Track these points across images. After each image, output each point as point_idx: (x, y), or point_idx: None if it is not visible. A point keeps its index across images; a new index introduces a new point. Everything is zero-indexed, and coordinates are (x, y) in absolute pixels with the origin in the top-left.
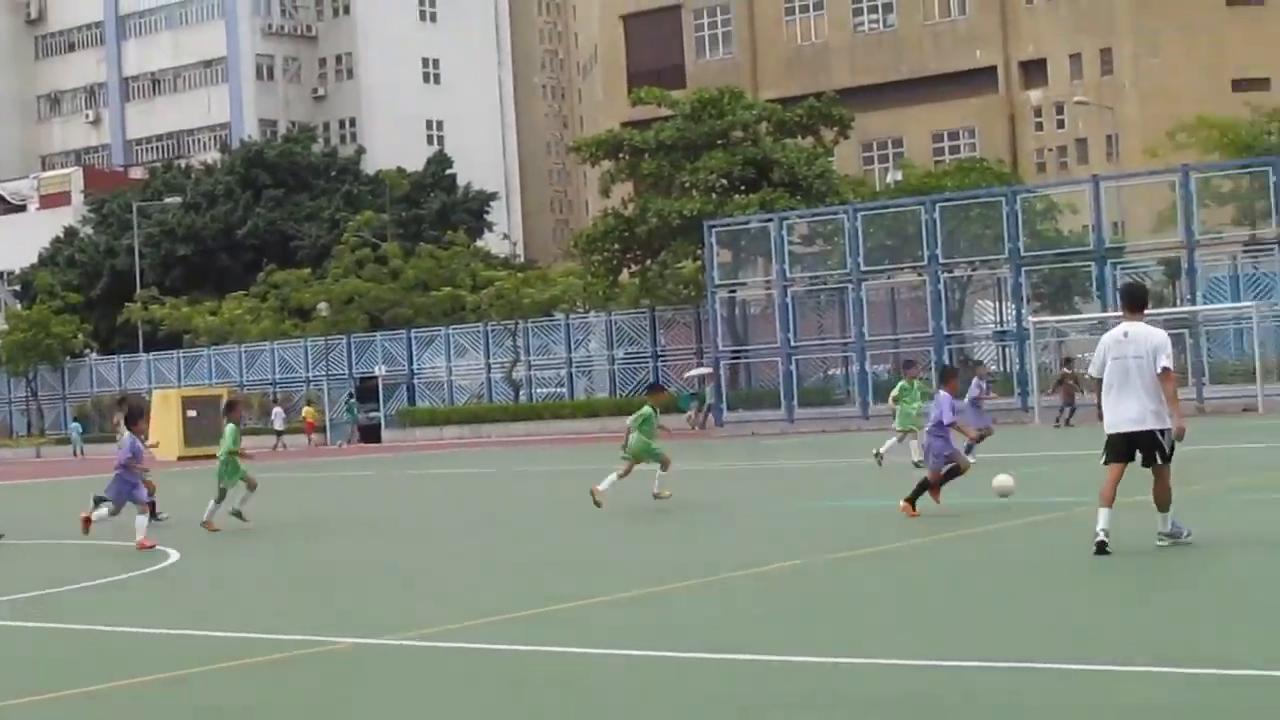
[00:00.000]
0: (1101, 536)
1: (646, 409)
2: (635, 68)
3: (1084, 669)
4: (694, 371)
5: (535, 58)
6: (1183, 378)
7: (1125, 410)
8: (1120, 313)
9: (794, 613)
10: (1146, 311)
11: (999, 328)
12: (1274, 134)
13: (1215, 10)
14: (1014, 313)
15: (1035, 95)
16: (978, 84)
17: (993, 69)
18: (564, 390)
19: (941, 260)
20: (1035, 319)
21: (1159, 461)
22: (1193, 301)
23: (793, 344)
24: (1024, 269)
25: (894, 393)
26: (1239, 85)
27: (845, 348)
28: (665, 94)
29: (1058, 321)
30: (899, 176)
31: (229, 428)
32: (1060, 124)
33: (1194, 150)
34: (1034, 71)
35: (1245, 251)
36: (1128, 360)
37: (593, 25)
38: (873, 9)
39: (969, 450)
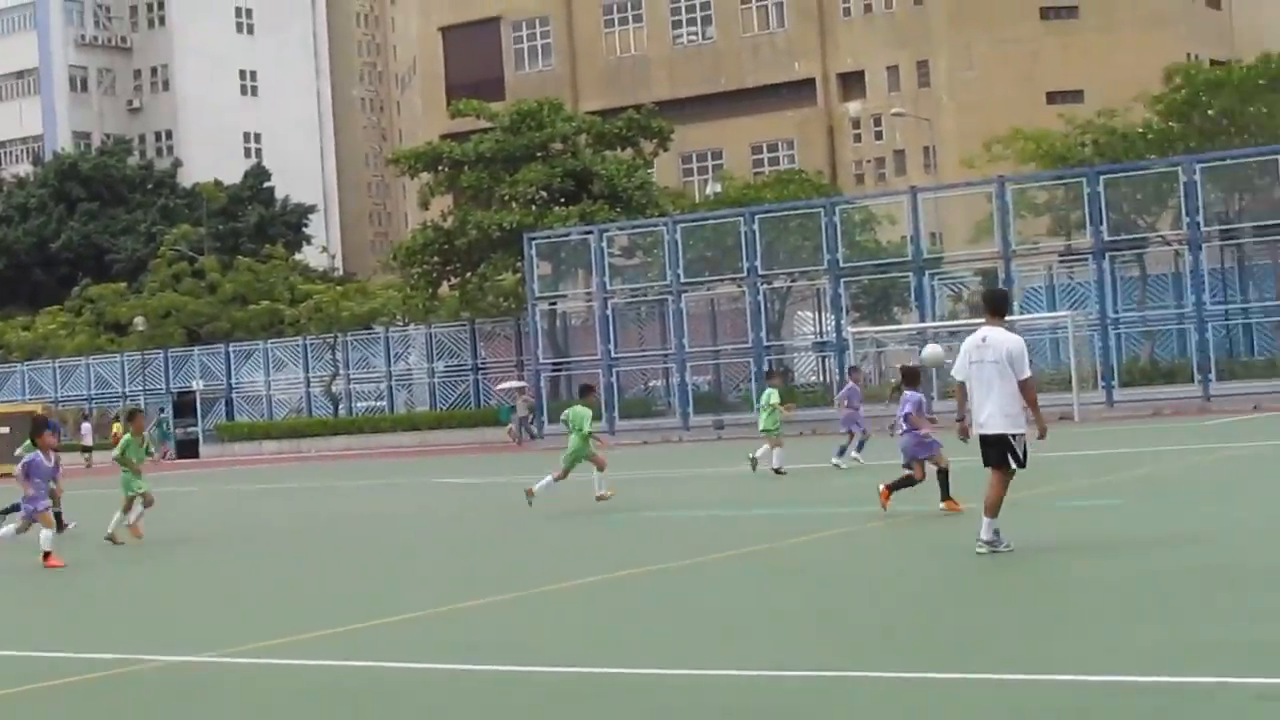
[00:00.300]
0: (990, 536)
1: (581, 408)
2: (454, 80)
3: (896, 676)
4: (505, 385)
5: (354, 70)
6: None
7: (980, 413)
8: (982, 318)
9: (612, 625)
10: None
11: (818, 338)
12: (1088, 146)
13: (1029, 24)
14: (833, 323)
15: (853, 107)
16: (796, 96)
17: (811, 81)
18: (384, 404)
19: (761, 272)
20: (854, 329)
21: (1006, 465)
22: (1009, 312)
23: (613, 356)
24: (843, 280)
25: (764, 399)
26: (1053, 98)
27: (665, 359)
28: (484, 106)
29: (877, 332)
30: (718, 188)
31: (125, 438)
32: (878, 135)
33: (1010, 162)
34: (852, 84)
35: (1061, 262)
36: (985, 365)
37: (411, 38)
38: (691, 22)
39: (861, 448)
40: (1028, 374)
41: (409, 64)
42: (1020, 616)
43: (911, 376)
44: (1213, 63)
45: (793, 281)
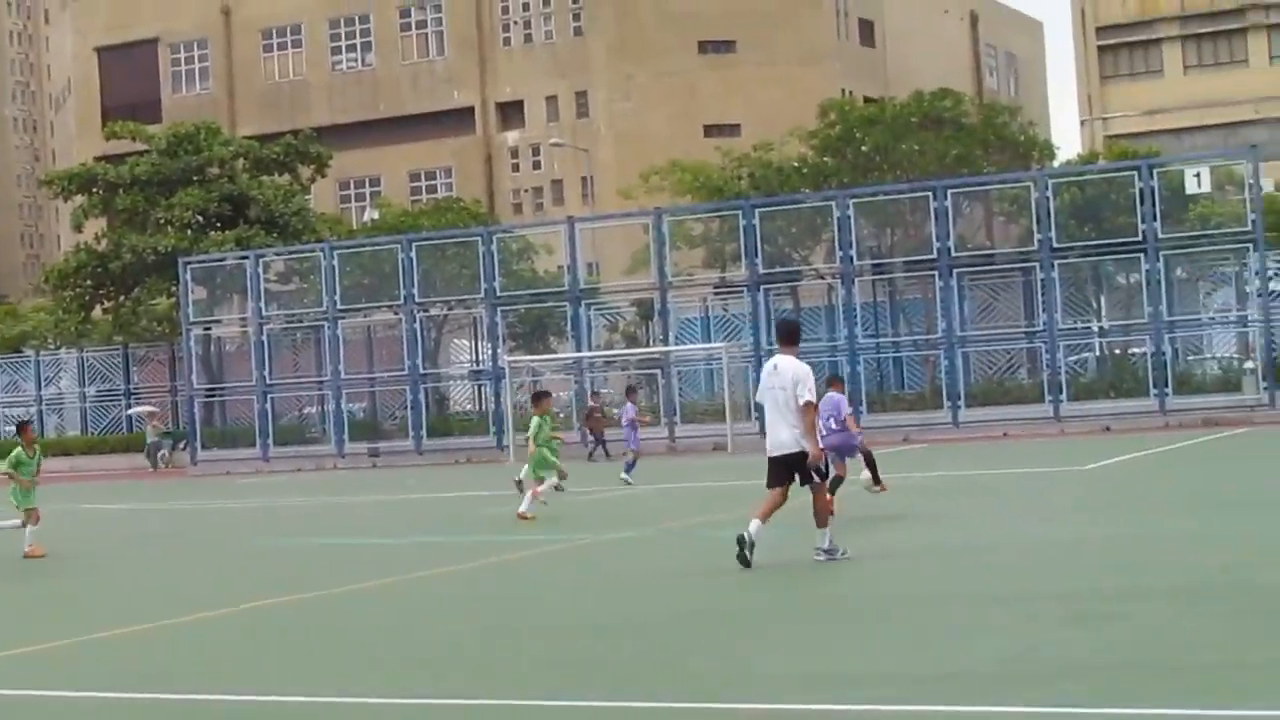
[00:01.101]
0: (746, 537)
1: (537, 419)
2: (110, 101)
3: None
4: (136, 409)
5: (6, 89)
6: (656, 416)
7: (776, 435)
8: (776, 345)
9: (257, 653)
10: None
11: (475, 367)
12: (744, 179)
13: (688, 57)
14: (490, 352)
15: (512, 136)
16: (456, 124)
17: (470, 109)
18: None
19: (418, 299)
20: (511, 358)
21: (813, 480)
22: (665, 342)
23: (268, 382)
24: (500, 309)
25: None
26: (710, 131)
27: (321, 386)
28: (140, 128)
29: (533, 361)
30: (376, 215)
31: (16, 451)
32: (536, 165)
33: (667, 193)
34: (511, 113)
35: (716, 293)
36: (776, 391)
37: (66, 57)
38: (351, 48)
39: (630, 469)
40: (807, 399)
41: (64, 84)
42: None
43: (836, 382)
44: (866, 99)
45: (449, 310)
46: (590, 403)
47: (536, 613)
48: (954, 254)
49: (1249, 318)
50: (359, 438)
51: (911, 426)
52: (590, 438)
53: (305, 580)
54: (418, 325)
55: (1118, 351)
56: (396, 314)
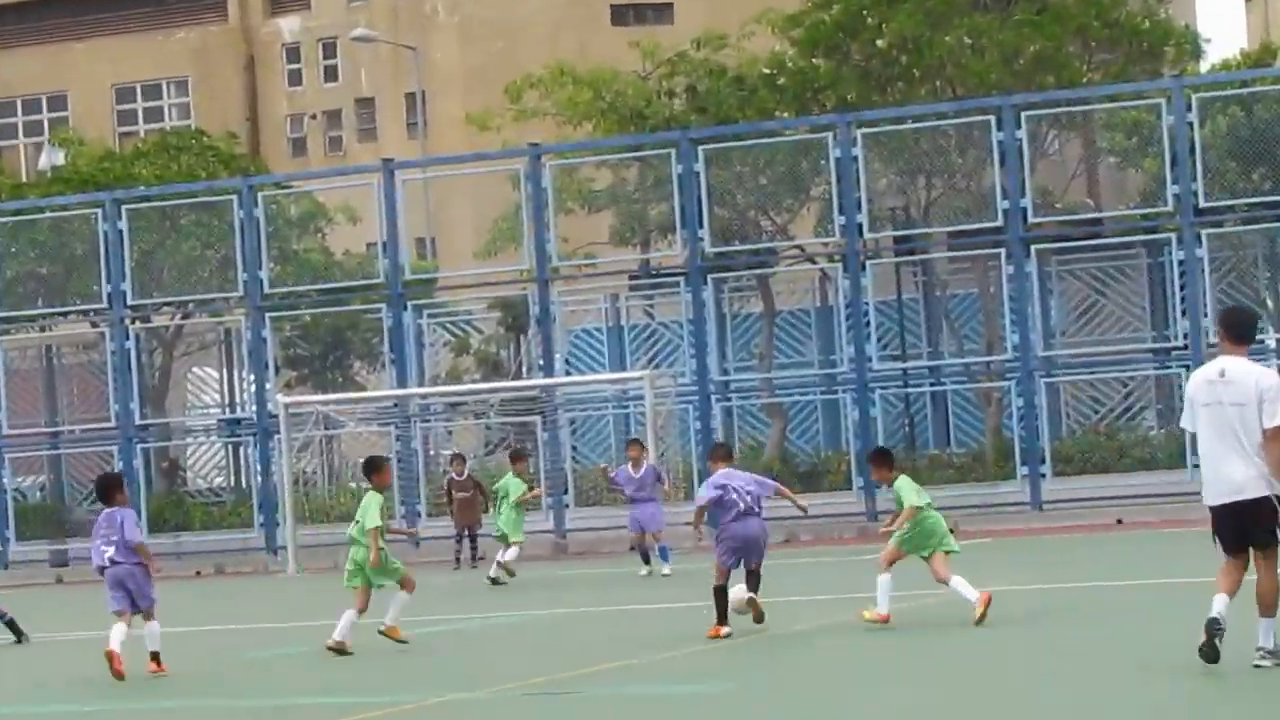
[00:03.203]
0: (1219, 620)
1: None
2: None
3: None
4: None
5: None
6: (532, 491)
7: (1226, 473)
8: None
9: None
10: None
11: (227, 413)
12: (679, 95)
13: None
14: (252, 388)
15: (289, 26)
16: (193, 7)
17: None
18: None
19: (131, 301)
20: (289, 398)
21: (1272, 541)
22: (547, 370)
23: None
24: (270, 315)
25: (514, 496)
26: (622, 15)
27: None
28: None
29: (328, 404)
30: (58, 158)
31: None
32: (330, 74)
33: (549, 122)
34: None
35: (633, 288)
36: (1226, 408)
37: None
38: None
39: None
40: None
41: None
42: None
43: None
44: None
45: (185, 317)
46: (452, 472)
47: None
48: (1032, 219)
49: None
50: (36, 535)
51: (964, 508)
52: (457, 531)
53: None
54: (131, 345)
55: None
56: (95, 325)
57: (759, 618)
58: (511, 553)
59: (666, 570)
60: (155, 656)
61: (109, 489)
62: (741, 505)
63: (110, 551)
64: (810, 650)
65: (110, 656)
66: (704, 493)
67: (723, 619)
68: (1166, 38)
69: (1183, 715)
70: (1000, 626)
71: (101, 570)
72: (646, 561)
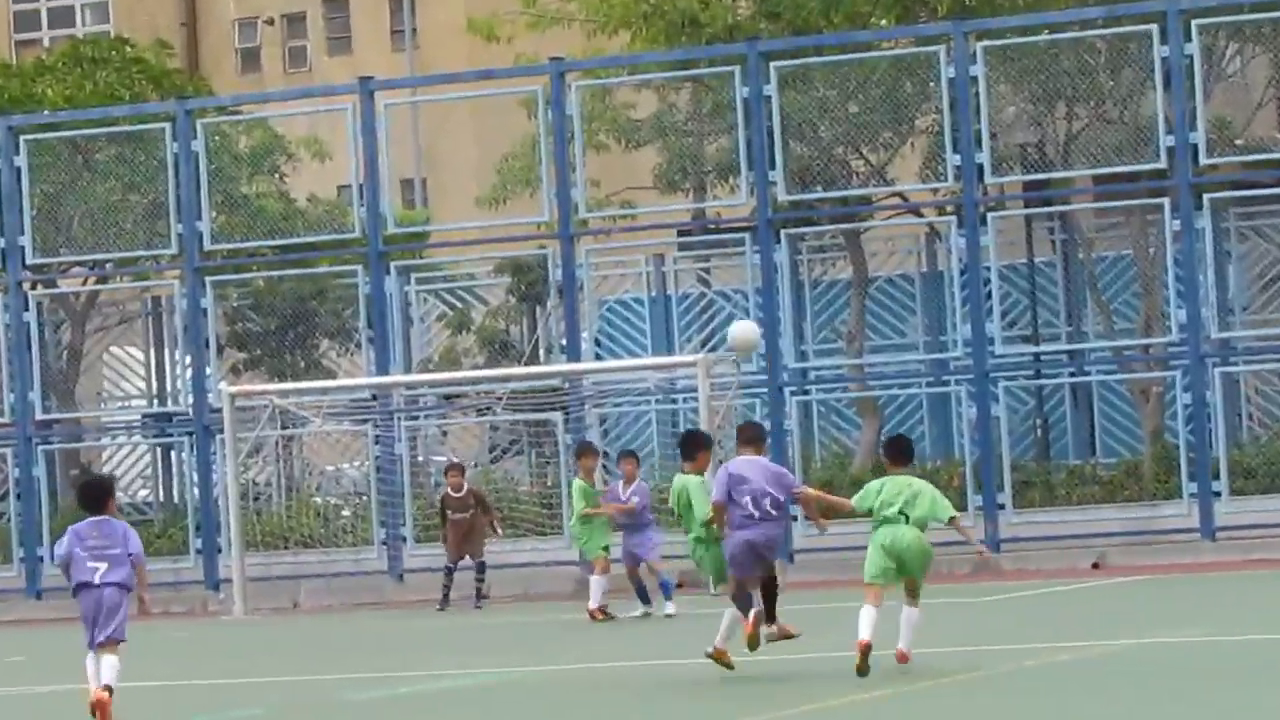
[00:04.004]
0: None
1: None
2: None
3: None
4: None
5: None
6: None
7: None
8: None
9: None
10: None
11: (155, 406)
12: None
13: None
14: (187, 374)
15: None
16: None
17: None
18: None
19: (30, 261)
20: (235, 388)
21: None
22: (573, 354)
23: None
24: (211, 280)
25: (578, 504)
26: None
27: None
28: None
29: (287, 394)
30: None
31: None
32: None
33: (573, 30)
34: None
35: (682, 249)
36: None
37: None
38: None
39: (667, 592)
40: None
41: None
42: None
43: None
44: None
45: (99, 281)
46: (447, 486)
47: None
48: (1205, 160)
49: None
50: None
51: (1114, 535)
52: (450, 562)
53: None
54: (31, 317)
55: None
56: None
57: (789, 635)
58: (600, 583)
59: (670, 610)
60: (109, 690)
61: (100, 495)
62: (754, 512)
63: (103, 569)
64: None
65: (100, 706)
66: (716, 492)
67: (746, 609)
68: None
69: None
70: (1156, 683)
71: (79, 589)
72: (645, 600)
